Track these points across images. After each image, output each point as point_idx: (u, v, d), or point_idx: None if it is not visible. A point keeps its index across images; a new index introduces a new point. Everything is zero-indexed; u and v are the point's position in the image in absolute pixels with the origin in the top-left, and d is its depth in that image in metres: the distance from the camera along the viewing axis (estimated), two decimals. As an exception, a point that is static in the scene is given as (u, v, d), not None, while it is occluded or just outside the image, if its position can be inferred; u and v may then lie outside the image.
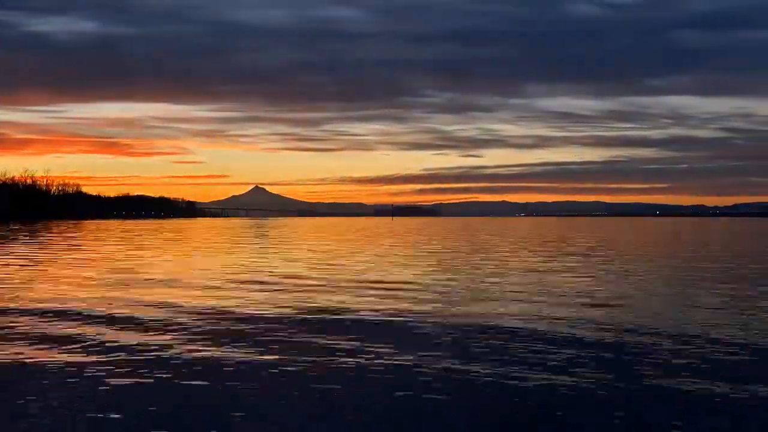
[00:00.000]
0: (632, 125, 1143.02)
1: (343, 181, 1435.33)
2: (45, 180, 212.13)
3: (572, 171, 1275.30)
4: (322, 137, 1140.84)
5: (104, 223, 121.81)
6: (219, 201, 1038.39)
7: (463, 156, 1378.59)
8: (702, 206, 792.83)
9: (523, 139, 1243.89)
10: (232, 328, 10.57)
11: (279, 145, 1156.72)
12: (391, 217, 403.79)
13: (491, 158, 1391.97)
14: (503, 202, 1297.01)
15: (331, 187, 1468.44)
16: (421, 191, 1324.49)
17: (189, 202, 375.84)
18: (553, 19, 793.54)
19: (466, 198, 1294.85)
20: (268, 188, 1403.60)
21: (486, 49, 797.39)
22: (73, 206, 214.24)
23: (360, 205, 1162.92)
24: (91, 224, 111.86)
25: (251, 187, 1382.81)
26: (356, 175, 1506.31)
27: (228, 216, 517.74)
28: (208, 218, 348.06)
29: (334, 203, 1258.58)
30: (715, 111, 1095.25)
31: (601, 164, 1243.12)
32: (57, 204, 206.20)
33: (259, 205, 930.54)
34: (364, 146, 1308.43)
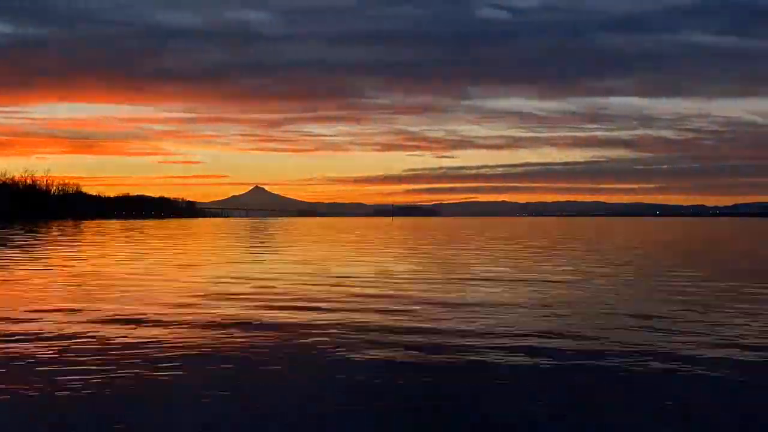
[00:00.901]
0: (598, 126, 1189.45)
1: (332, 181, 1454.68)
2: (45, 180, 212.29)
3: (557, 171, 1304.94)
4: (290, 138, 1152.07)
5: (105, 223, 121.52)
6: (219, 201, 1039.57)
7: (437, 157, 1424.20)
8: (702, 206, 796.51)
9: (494, 140, 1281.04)
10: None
11: (248, 146, 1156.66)
12: (391, 218, 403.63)
13: (466, 159, 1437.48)
14: (504, 202, 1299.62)
15: (329, 187, 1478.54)
16: (421, 191, 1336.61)
17: (189, 202, 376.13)
18: (468, 21, 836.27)
19: (466, 198, 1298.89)
20: (267, 188, 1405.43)
21: (420, 50, 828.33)
22: (73, 206, 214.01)
23: (360, 205, 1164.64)
24: (91, 224, 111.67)
25: (251, 187, 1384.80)
26: (335, 175, 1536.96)
27: (228, 216, 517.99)
28: (208, 218, 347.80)
29: (334, 203, 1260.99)
30: (676, 112, 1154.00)
31: (584, 164, 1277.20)
32: (57, 204, 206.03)
33: (260, 205, 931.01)
34: (337, 147, 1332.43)
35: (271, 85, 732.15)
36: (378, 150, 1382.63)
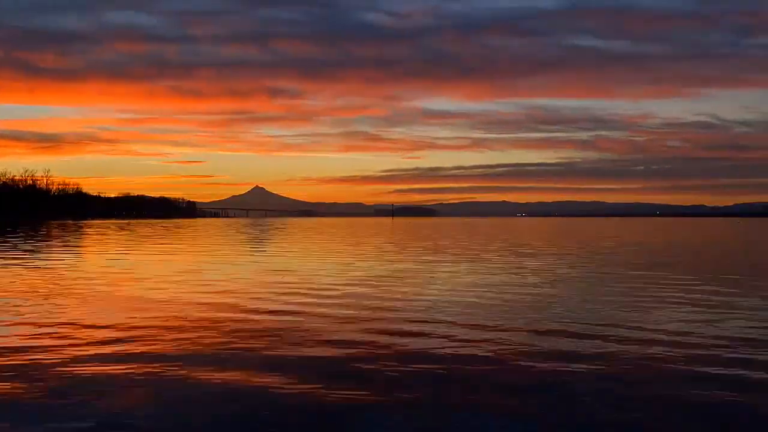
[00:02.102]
0: (554, 127, 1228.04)
1: (322, 181, 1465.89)
2: (45, 180, 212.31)
3: (532, 172, 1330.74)
4: (250, 139, 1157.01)
5: (103, 223, 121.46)
6: (219, 201, 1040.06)
7: (406, 158, 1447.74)
8: (702, 206, 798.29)
9: (457, 141, 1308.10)
10: None
11: (210, 145, 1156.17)
12: (391, 218, 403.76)
13: (433, 159, 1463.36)
14: (503, 202, 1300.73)
15: (328, 186, 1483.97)
16: (419, 191, 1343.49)
17: (189, 202, 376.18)
18: (353, 23, 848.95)
19: (465, 198, 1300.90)
20: (267, 188, 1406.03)
21: (332, 51, 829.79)
22: (73, 206, 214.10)
23: (359, 205, 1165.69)
24: (91, 224, 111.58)
25: (251, 186, 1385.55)
26: (320, 176, 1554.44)
27: (228, 216, 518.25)
28: (208, 218, 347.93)
29: (335, 203, 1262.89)
30: (622, 113, 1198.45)
31: (559, 166, 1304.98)
32: (57, 204, 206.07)
33: (260, 205, 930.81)
34: (298, 148, 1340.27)
35: (205, 85, 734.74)
36: (340, 151, 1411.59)
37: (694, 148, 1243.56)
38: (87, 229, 76.24)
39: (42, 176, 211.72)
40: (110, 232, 67.45)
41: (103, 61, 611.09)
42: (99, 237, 53.32)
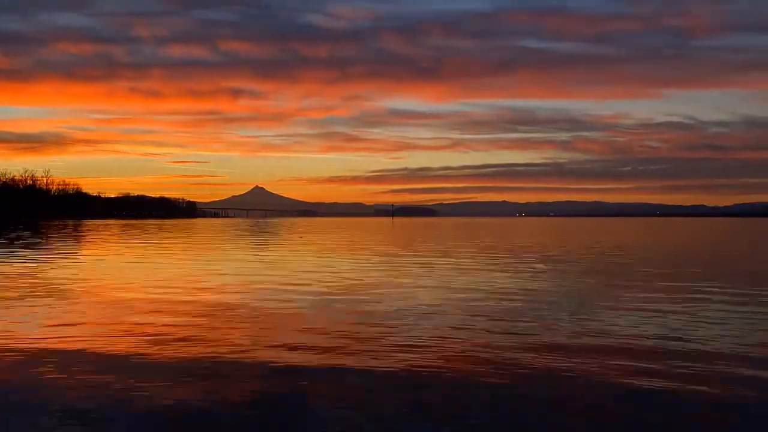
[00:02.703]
0: (528, 127, 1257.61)
1: (314, 181, 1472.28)
2: (45, 180, 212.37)
3: (521, 172, 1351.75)
4: (232, 140, 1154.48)
5: (100, 223, 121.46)
6: (219, 201, 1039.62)
7: (389, 158, 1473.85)
8: (702, 206, 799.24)
9: (436, 141, 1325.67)
10: None
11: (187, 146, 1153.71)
12: (391, 218, 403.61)
13: (418, 160, 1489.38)
14: (504, 202, 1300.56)
15: (328, 186, 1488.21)
16: (412, 191, 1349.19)
17: (189, 202, 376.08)
18: (294, 25, 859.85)
19: (462, 198, 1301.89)
20: (267, 188, 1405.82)
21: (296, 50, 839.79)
22: (73, 206, 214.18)
23: (359, 205, 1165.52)
24: (91, 224, 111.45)
25: (251, 186, 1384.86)
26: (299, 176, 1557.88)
27: (228, 216, 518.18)
28: (208, 218, 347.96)
29: (335, 203, 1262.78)
30: (594, 114, 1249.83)
31: (546, 166, 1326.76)
32: (57, 204, 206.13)
33: (260, 205, 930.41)
34: (281, 149, 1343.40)
35: (161, 85, 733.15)
36: (322, 152, 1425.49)
37: (674, 148, 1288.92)
38: (85, 230, 76.28)
39: (42, 176, 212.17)
40: (105, 233, 67.48)
41: (50, 61, 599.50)
42: (96, 238, 53.35)
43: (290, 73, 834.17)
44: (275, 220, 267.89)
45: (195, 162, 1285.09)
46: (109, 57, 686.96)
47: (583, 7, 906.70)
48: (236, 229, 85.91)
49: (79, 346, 9.31)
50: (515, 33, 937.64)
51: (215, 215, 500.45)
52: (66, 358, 8.55)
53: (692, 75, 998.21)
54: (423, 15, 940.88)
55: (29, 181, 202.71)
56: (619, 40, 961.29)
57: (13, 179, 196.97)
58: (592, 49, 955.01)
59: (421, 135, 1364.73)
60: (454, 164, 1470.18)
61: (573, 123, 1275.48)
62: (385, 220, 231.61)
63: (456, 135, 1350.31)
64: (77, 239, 48.86)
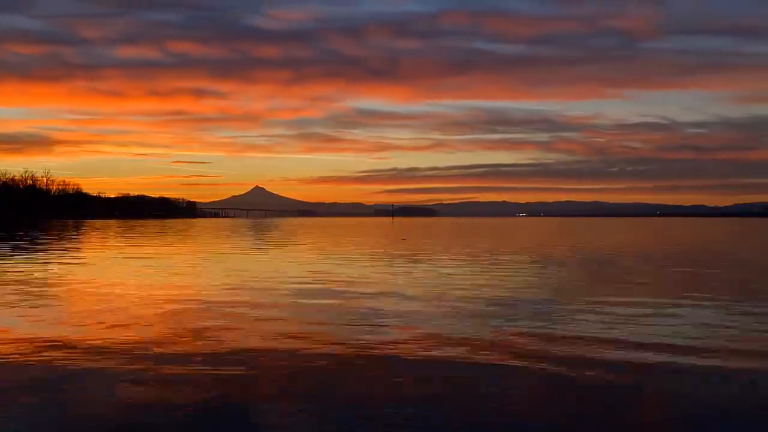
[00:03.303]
0: (509, 128, 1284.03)
1: (304, 182, 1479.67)
2: (45, 180, 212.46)
3: (509, 173, 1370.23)
4: (211, 140, 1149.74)
5: (107, 223, 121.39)
6: (219, 201, 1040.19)
7: (374, 159, 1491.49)
8: (702, 206, 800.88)
9: (418, 142, 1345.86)
10: None
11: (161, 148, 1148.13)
12: (391, 217, 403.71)
13: (404, 160, 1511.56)
14: (504, 202, 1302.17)
15: (329, 186, 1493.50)
16: (419, 191, 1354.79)
17: (189, 202, 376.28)
18: (240, 26, 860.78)
19: (461, 198, 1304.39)
20: (267, 188, 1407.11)
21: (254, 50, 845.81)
22: (73, 206, 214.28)
23: (359, 205, 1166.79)
24: (92, 224, 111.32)
25: (252, 186, 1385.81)
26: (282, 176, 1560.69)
27: (228, 216, 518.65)
28: (207, 218, 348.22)
29: (335, 203, 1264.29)
30: (573, 114, 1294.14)
31: (532, 166, 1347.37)
32: (57, 204, 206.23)
33: (260, 205, 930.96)
34: (263, 149, 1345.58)
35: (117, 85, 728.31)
36: (304, 152, 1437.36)
37: (656, 149, 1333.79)
38: (84, 231, 76.23)
39: (42, 176, 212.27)
40: (100, 233, 67.39)
41: (5, 62, 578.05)
42: (93, 238, 53.26)
43: (246, 73, 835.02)
44: (275, 220, 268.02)
45: (186, 162, 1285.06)
46: (58, 57, 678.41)
47: (520, 9, 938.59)
48: (236, 230, 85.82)
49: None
50: (459, 34, 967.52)
51: (215, 215, 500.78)
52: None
53: (644, 75, 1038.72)
54: (365, 16, 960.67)
55: (29, 181, 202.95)
56: (563, 42, 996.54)
57: (13, 179, 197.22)
58: (541, 51, 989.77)
59: (401, 135, 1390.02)
60: (442, 164, 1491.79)
61: (548, 123, 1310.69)
62: (386, 220, 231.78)
63: (437, 135, 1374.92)
64: (78, 240, 48.77)
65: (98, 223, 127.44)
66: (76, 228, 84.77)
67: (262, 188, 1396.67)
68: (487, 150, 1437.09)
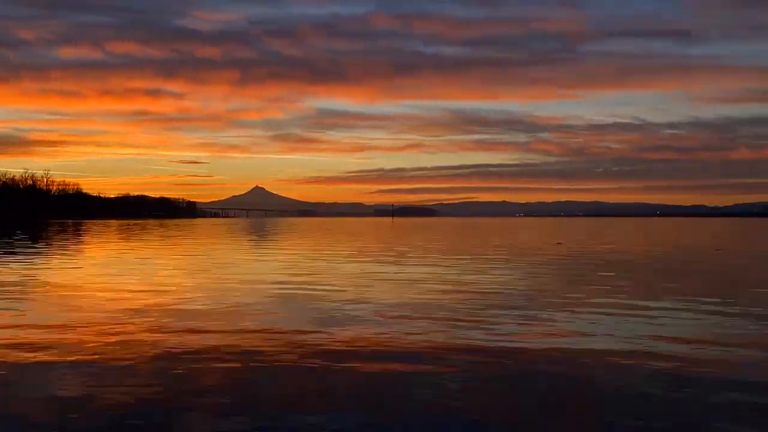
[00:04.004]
0: (485, 128, 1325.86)
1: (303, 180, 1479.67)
2: (45, 180, 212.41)
3: (496, 173, 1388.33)
4: (190, 142, 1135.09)
5: (97, 224, 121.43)
6: (219, 201, 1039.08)
7: (358, 159, 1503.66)
8: (702, 206, 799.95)
9: (395, 142, 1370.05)
10: None
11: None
12: (391, 218, 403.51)
13: (385, 161, 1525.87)
14: (503, 202, 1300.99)
15: (329, 186, 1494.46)
16: (419, 191, 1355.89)
17: (189, 202, 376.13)
18: (175, 28, 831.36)
19: (466, 198, 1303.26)
20: (267, 188, 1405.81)
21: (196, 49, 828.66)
22: (73, 206, 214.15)
23: (359, 205, 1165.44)
24: (91, 224, 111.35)
25: (252, 186, 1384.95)
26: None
27: (228, 216, 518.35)
28: (207, 218, 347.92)
29: (335, 203, 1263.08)
30: (542, 115, 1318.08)
31: (518, 167, 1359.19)
32: (57, 204, 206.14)
33: (260, 205, 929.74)
34: (244, 150, 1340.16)
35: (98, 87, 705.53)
36: (283, 152, 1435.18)
37: (636, 149, 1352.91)
38: (83, 231, 76.18)
39: (42, 176, 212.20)
40: (89, 234, 67.37)
41: None
42: (77, 239, 53.35)
43: (193, 74, 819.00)
44: (272, 220, 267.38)
45: (176, 162, 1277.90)
46: (5, 59, 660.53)
47: (446, 11, 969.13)
48: (233, 230, 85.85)
49: None
50: (393, 36, 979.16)
51: (215, 215, 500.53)
52: None
53: (593, 76, 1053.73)
54: (294, 18, 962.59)
55: (29, 181, 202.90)
56: (503, 44, 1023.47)
57: (13, 179, 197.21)
58: (483, 53, 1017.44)
59: (375, 136, 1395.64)
60: (428, 165, 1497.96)
61: (521, 124, 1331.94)
62: (386, 220, 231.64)
63: (414, 136, 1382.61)
64: (66, 241, 48.90)
65: (97, 223, 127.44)
66: (66, 229, 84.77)
67: (262, 188, 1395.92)
68: (468, 151, 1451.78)
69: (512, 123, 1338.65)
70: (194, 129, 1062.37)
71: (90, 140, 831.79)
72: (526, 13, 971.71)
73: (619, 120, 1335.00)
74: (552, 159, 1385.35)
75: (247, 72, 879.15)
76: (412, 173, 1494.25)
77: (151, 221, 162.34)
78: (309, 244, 43.12)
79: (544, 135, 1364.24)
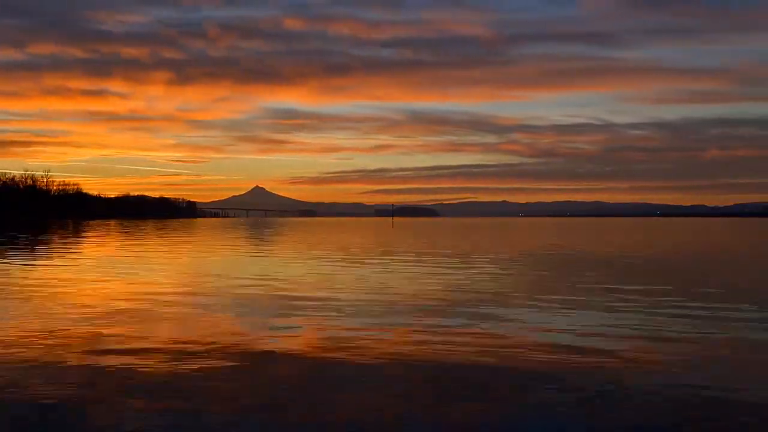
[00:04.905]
0: (446, 129, 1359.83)
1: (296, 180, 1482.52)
2: (45, 180, 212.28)
3: (480, 173, 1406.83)
4: (160, 143, 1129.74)
5: (97, 224, 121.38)
6: (219, 201, 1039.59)
7: (339, 159, 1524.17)
8: (702, 206, 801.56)
9: (364, 143, 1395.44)
10: None
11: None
12: (391, 218, 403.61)
13: (359, 162, 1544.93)
14: (504, 202, 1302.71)
15: (330, 187, 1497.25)
16: (419, 191, 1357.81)
17: (190, 202, 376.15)
18: (91, 29, 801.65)
19: (465, 198, 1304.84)
20: (267, 188, 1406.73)
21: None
22: (73, 206, 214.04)
23: (359, 205, 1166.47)
24: (92, 224, 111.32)
25: (252, 186, 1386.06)
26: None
27: (228, 216, 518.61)
28: (207, 218, 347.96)
29: (335, 203, 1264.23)
30: (503, 116, 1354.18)
31: (499, 167, 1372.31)
32: (57, 204, 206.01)
33: (260, 205, 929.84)
34: (217, 150, 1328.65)
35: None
36: (256, 153, 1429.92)
37: (604, 150, 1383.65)
38: (58, 233, 76.11)
39: (42, 176, 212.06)
40: (79, 235, 67.29)
41: None
42: (68, 240, 53.23)
43: (127, 74, 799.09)
44: (269, 220, 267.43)
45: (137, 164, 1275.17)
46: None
47: (356, 15, 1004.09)
48: (230, 230, 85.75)
49: None
50: (313, 38, 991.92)
51: (215, 215, 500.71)
52: None
53: (525, 79, 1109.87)
54: (208, 19, 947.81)
55: (29, 181, 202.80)
56: (421, 47, 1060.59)
57: (13, 179, 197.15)
58: (407, 55, 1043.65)
59: (339, 136, 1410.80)
60: (410, 165, 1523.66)
61: (483, 125, 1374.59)
62: (386, 221, 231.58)
63: (384, 137, 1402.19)
64: (54, 242, 48.76)
65: (95, 223, 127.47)
66: (61, 229, 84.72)
67: (262, 188, 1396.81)
68: (439, 152, 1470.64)
69: (473, 123, 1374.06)
70: (156, 130, 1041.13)
71: (56, 141, 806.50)
72: (429, 15, 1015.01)
73: (580, 120, 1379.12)
74: (533, 160, 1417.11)
75: (179, 73, 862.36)
76: (396, 174, 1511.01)
77: (151, 221, 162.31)
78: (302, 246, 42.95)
79: (514, 136, 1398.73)
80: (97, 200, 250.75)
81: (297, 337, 10.18)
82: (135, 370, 8.00)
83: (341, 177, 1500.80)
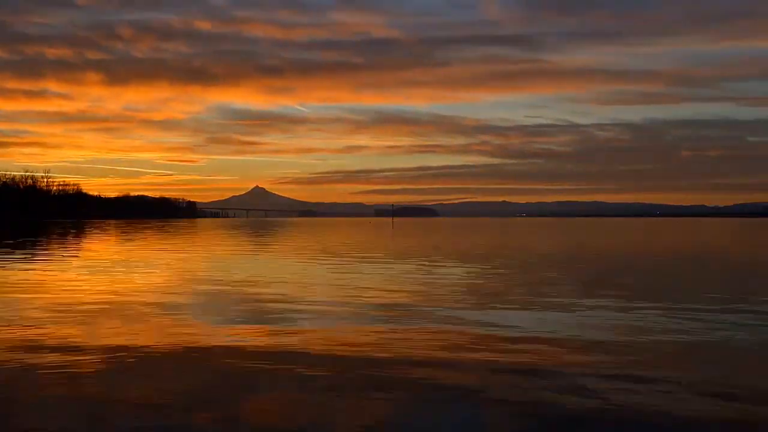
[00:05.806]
0: (414, 129, 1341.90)
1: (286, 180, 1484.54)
2: (45, 180, 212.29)
3: (465, 174, 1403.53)
4: (139, 144, 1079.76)
5: (97, 224, 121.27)
6: (219, 201, 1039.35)
7: (316, 160, 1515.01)
8: (702, 206, 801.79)
9: (338, 144, 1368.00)
10: None
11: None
12: (391, 218, 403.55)
13: (339, 162, 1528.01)
14: (504, 202, 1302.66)
15: (330, 187, 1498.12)
16: (419, 191, 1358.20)
17: (190, 202, 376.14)
18: (12, 31, 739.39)
19: (465, 198, 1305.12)
20: (267, 188, 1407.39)
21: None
22: (73, 206, 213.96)
23: (359, 205, 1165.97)
24: (91, 224, 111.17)
25: (252, 186, 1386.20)
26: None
27: (228, 216, 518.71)
28: (207, 218, 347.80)
29: (335, 203, 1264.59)
30: (464, 116, 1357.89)
31: (480, 167, 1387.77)
32: (57, 204, 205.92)
33: (260, 205, 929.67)
34: (191, 151, 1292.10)
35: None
36: (230, 154, 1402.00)
37: (576, 152, 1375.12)
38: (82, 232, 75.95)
39: (42, 176, 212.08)
40: (68, 236, 67.16)
41: None
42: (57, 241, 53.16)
43: (59, 75, 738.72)
44: (269, 220, 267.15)
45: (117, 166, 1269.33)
46: None
47: (267, 17, 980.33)
48: (227, 230, 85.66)
49: None
50: (234, 40, 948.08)
51: (215, 215, 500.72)
52: None
53: (461, 81, 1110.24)
54: (123, 21, 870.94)
55: (29, 181, 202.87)
56: (346, 48, 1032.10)
57: (13, 179, 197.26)
58: (338, 57, 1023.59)
59: (316, 137, 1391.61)
60: (388, 167, 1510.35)
61: (452, 126, 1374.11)
62: (386, 221, 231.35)
63: (350, 138, 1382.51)
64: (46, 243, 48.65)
65: (93, 223, 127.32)
66: (59, 229, 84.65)
67: (263, 188, 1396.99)
68: (415, 153, 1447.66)
69: (433, 124, 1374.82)
70: (121, 130, 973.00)
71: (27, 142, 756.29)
72: (337, 17, 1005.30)
73: (543, 120, 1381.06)
74: (512, 161, 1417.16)
75: (111, 73, 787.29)
76: (380, 175, 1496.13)
77: (151, 221, 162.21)
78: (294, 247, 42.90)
79: (485, 137, 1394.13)
80: (97, 200, 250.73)
81: (244, 338, 9.96)
82: (56, 369, 7.91)
83: (328, 177, 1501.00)
